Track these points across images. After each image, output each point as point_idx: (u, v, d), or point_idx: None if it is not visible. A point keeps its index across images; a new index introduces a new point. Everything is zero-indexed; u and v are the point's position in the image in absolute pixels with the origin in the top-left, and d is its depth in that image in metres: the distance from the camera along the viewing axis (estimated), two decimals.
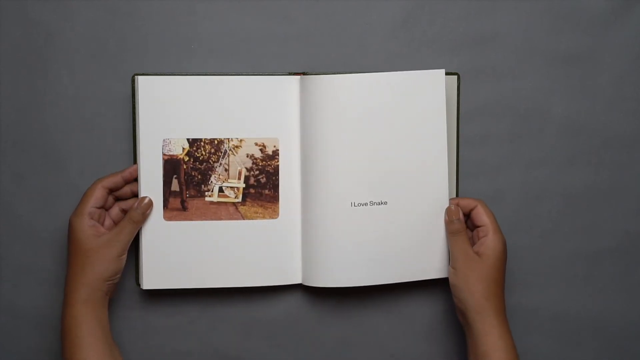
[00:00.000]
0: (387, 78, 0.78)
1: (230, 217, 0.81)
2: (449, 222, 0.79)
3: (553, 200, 0.86)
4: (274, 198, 0.81)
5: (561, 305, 0.87)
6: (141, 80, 0.78)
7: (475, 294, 0.75)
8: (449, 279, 0.78)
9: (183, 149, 0.80)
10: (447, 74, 0.82)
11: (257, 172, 0.81)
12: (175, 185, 0.80)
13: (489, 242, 0.77)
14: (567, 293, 0.87)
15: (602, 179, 0.86)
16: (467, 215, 0.80)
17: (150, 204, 0.78)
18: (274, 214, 0.81)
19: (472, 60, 0.84)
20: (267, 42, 0.83)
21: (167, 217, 0.80)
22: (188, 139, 0.80)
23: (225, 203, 0.81)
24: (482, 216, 0.78)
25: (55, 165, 0.82)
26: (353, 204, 0.78)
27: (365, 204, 0.78)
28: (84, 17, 0.81)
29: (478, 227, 0.79)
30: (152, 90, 0.78)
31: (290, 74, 0.81)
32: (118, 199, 0.80)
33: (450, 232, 0.78)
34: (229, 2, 0.82)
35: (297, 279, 0.82)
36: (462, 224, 0.78)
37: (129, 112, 0.81)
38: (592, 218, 0.86)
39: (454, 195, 0.83)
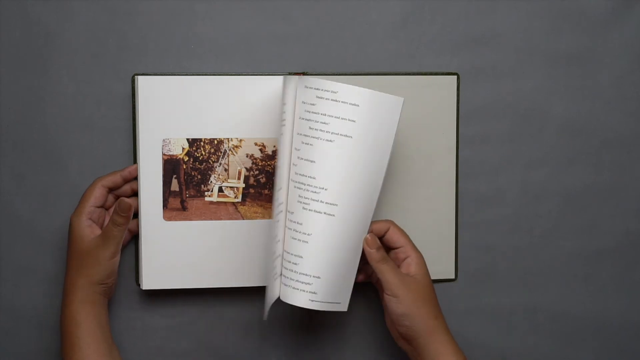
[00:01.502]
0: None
1: (230, 217, 0.81)
2: (371, 253, 0.74)
3: (553, 200, 0.86)
4: None
5: (561, 305, 0.87)
6: (141, 80, 0.78)
7: (424, 316, 0.73)
8: (392, 308, 0.73)
9: (183, 148, 0.80)
10: (447, 74, 0.82)
11: (256, 172, 0.81)
12: (175, 185, 0.80)
13: (415, 261, 0.75)
14: (567, 293, 0.87)
15: (602, 179, 0.86)
16: (380, 239, 0.76)
17: (129, 205, 0.74)
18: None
19: (472, 60, 0.84)
20: (267, 42, 0.83)
21: (167, 217, 0.80)
22: (188, 139, 0.80)
23: (225, 203, 0.81)
24: (397, 237, 0.76)
25: (55, 165, 0.82)
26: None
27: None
28: (84, 17, 0.81)
29: (394, 248, 0.76)
30: (152, 90, 0.78)
31: (290, 74, 0.81)
32: (119, 198, 0.80)
33: (377, 262, 0.74)
34: (229, 2, 0.82)
35: None
36: (384, 251, 0.75)
37: (129, 112, 0.81)
38: (592, 218, 0.86)
39: (452, 199, 0.83)
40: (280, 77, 0.80)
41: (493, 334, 0.86)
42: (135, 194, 0.80)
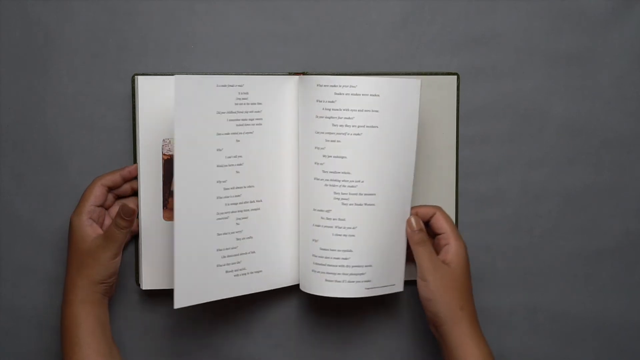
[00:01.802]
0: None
1: None
2: (411, 234, 0.76)
3: (553, 200, 0.86)
4: None
5: (561, 305, 0.87)
6: (141, 80, 0.78)
7: (450, 304, 0.74)
8: (420, 292, 0.75)
9: None
10: (447, 74, 0.82)
11: None
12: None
13: (453, 249, 0.76)
14: (567, 293, 0.87)
15: (602, 179, 0.86)
16: (426, 223, 0.78)
17: (132, 210, 0.74)
18: None
19: (472, 60, 0.84)
20: (267, 42, 0.83)
21: (167, 217, 0.80)
22: None
23: None
24: (441, 223, 0.77)
25: (55, 165, 0.82)
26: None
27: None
28: (84, 17, 0.81)
29: (438, 234, 0.77)
30: (152, 90, 0.78)
31: (290, 74, 0.81)
32: (119, 197, 0.80)
33: (414, 244, 0.76)
34: (229, 2, 0.82)
35: (296, 280, 0.81)
36: (425, 234, 0.76)
37: (129, 112, 0.81)
38: (592, 218, 0.86)
39: (452, 198, 0.83)
40: (281, 78, 0.79)
41: (493, 334, 0.86)
42: (135, 193, 0.80)
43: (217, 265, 0.76)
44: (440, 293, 0.74)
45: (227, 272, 0.77)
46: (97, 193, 0.76)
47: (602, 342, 0.87)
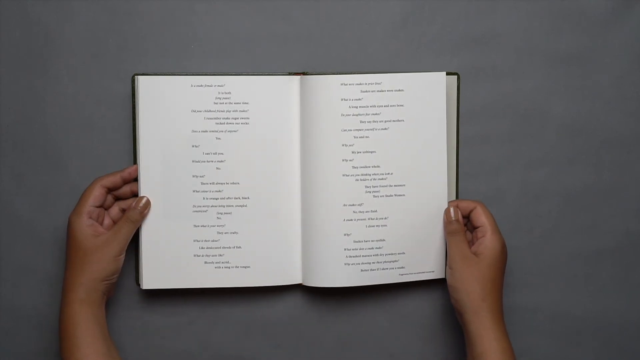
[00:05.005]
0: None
1: None
2: (447, 223, 0.79)
3: (553, 200, 0.86)
4: None
5: (561, 305, 0.87)
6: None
7: (471, 294, 0.75)
8: (447, 279, 0.78)
9: None
10: (447, 74, 0.82)
11: None
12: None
13: (487, 242, 0.77)
14: (567, 293, 0.87)
15: (602, 179, 0.86)
16: (467, 217, 0.80)
17: (148, 203, 0.78)
18: None
19: (472, 60, 0.84)
20: (267, 42, 0.83)
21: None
22: None
23: None
24: (480, 217, 0.78)
25: (55, 165, 0.82)
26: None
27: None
28: (84, 17, 0.81)
29: (477, 227, 0.79)
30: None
31: (290, 74, 0.81)
32: (118, 199, 0.80)
33: (448, 233, 0.79)
34: (229, 2, 0.82)
35: (297, 279, 0.82)
36: (460, 225, 0.79)
37: (129, 112, 0.81)
38: (592, 218, 0.86)
39: (453, 196, 0.83)
40: (281, 78, 0.80)
41: None
42: (134, 195, 0.80)
43: (195, 255, 0.79)
44: (463, 282, 0.76)
45: (206, 263, 0.79)
46: (97, 193, 0.76)
47: (602, 342, 0.87)
